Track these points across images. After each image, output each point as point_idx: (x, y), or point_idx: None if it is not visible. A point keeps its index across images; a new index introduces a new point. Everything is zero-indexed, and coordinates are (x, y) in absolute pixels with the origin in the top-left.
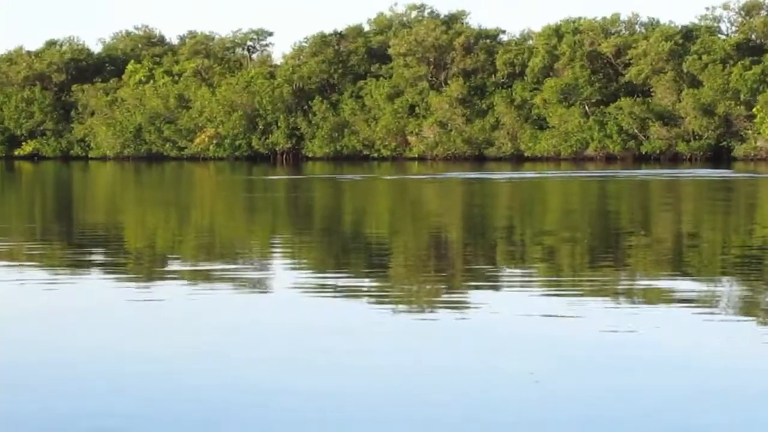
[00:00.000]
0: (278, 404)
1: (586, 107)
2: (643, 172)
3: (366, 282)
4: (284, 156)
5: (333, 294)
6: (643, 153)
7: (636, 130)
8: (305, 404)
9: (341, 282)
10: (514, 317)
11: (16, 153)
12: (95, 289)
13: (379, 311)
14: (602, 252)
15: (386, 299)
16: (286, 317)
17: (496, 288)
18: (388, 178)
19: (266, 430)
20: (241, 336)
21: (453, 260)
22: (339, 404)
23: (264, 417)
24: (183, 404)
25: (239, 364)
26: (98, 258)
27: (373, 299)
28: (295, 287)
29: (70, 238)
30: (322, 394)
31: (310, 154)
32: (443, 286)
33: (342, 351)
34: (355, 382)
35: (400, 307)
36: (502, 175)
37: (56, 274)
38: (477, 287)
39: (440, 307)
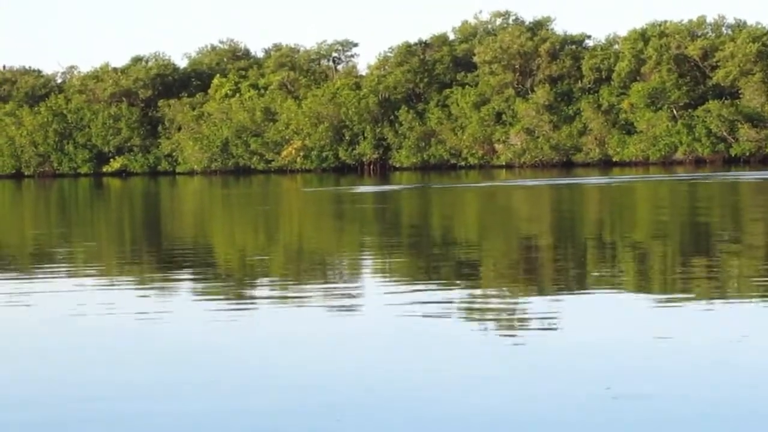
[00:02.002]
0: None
1: (674, 111)
2: (732, 174)
3: (456, 292)
4: (371, 166)
5: (424, 304)
6: (733, 155)
7: (725, 133)
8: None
9: (432, 293)
10: (605, 325)
11: (104, 170)
12: (192, 310)
13: (470, 322)
14: (694, 256)
15: (478, 310)
16: (381, 329)
17: (586, 295)
18: (477, 186)
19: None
20: (341, 348)
21: (544, 268)
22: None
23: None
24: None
25: (351, 373)
26: (189, 275)
27: (464, 310)
28: (387, 301)
29: (169, 255)
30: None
31: (397, 164)
32: (534, 296)
33: (439, 361)
34: (450, 393)
35: (493, 316)
36: (590, 180)
37: (149, 295)
38: (568, 295)
39: (531, 318)
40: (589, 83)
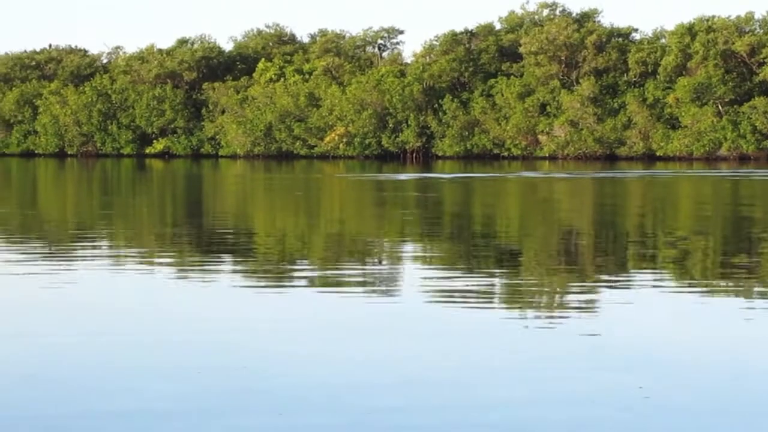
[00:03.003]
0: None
1: (719, 107)
2: None
3: (496, 281)
4: (414, 155)
5: (463, 293)
6: None
7: None
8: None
9: (471, 282)
10: (642, 321)
11: (147, 151)
12: (232, 294)
13: (509, 311)
14: (735, 252)
15: (516, 299)
16: (419, 317)
17: (625, 289)
18: (519, 176)
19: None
20: (381, 336)
21: (584, 260)
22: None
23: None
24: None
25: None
26: (228, 258)
27: (503, 299)
28: (426, 287)
29: (208, 237)
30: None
31: (440, 153)
32: (573, 288)
33: (475, 349)
34: (482, 378)
35: (530, 306)
36: (633, 173)
37: (190, 275)
38: (607, 287)
39: (568, 309)
40: (635, 77)
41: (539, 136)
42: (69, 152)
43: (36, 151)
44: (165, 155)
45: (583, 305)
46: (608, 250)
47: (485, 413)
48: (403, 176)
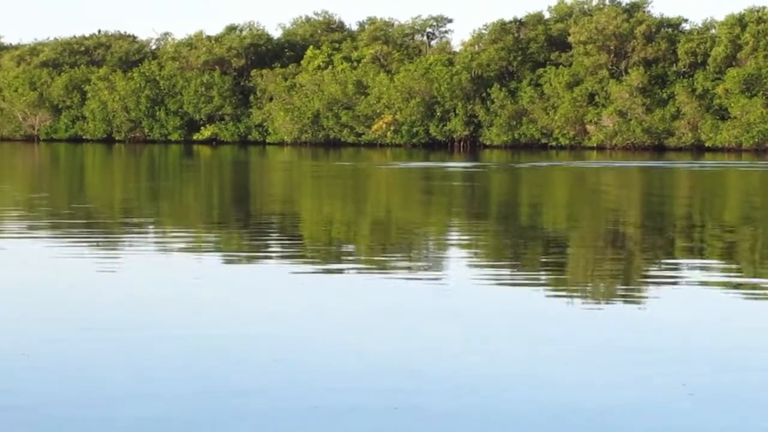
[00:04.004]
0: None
1: None
2: None
3: (543, 270)
4: (461, 143)
5: (508, 283)
6: None
7: None
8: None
9: (516, 272)
10: (690, 315)
11: (194, 137)
12: (273, 281)
13: (554, 300)
14: None
15: (562, 289)
16: (462, 305)
17: (672, 281)
18: (566, 165)
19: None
20: (424, 324)
21: (631, 251)
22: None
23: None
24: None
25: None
26: (277, 245)
27: (549, 288)
28: (471, 275)
29: (256, 223)
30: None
31: (488, 142)
32: (618, 279)
33: (518, 339)
34: (526, 369)
35: (576, 297)
36: (681, 164)
37: (238, 261)
38: (653, 279)
39: (613, 301)
40: (684, 67)
41: (587, 126)
42: (117, 138)
43: (84, 137)
44: (212, 142)
45: (629, 296)
46: (656, 240)
47: (530, 398)
48: (450, 164)
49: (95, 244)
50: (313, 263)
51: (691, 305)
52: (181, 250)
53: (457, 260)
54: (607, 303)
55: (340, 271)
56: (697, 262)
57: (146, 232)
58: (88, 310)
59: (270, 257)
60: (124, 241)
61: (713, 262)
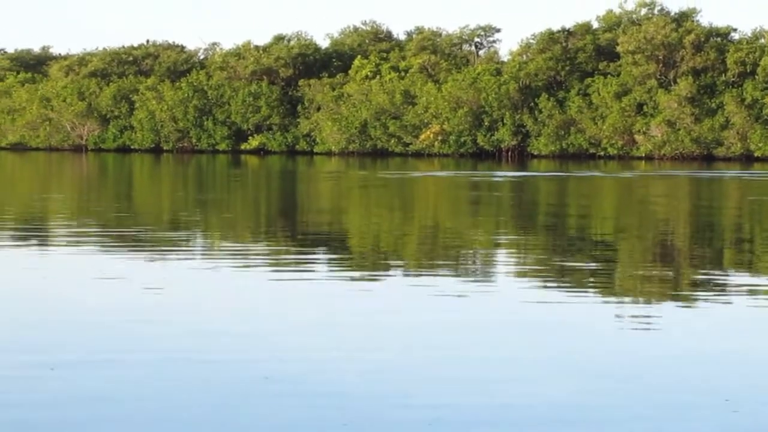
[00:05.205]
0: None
1: None
2: None
3: (590, 279)
4: (509, 153)
5: (558, 289)
6: None
7: None
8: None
9: (566, 278)
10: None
11: (242, 147)
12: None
13: (600, 309)
14: None
15: (609, 298)
16: (513, 316)
17: (719, 296)
18: (615, 175)
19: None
20: (474, 334)
21: (678, 264)
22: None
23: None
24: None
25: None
26: (322, 255)
27: (596, 297)
28: (516, 286)
29: (303, 234)
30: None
31: (536, 152)
32: (666, 290)
33: (566, 350)
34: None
35: (622, 306)
36: (730, 173)
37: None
38: (701, 295)
39: (660, 315)
40: (733, 77)
41: (636, 136)
42: (165, 148)
43: (132, 147)
44: (260, 151)
45: (676, 308)
46: (704, 252)
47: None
48: (499, 174)
49: (146, 258)
50: (353, 273)
51: (737, 321)
52: (227, 262)
53: (499, 271)
54: (653, 314)
55: (388, 283)
56: (745, 274)
57: (193, 246)
58: (145, 332)
59: (318, 270)
60: (172, 254)
61: (761, 275)
